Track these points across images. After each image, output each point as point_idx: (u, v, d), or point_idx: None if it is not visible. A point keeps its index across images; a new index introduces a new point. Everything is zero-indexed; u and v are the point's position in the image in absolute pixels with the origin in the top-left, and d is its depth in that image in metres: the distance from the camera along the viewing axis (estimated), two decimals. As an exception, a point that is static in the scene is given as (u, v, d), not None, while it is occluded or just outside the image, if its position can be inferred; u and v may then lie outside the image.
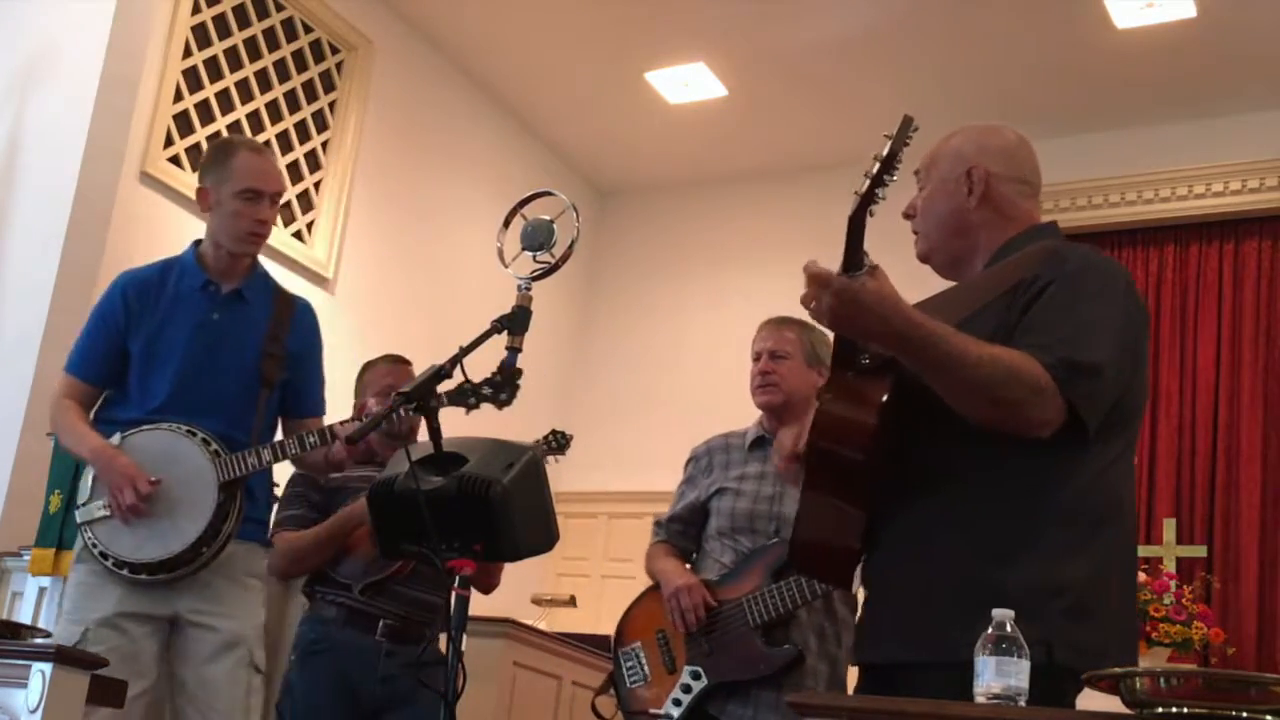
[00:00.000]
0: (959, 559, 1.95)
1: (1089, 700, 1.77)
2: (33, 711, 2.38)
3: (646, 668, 3.34)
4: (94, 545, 2.99)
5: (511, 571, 3.44)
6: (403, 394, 2.15)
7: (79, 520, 3.04)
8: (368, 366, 3.71)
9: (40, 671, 2.39)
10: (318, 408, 3.27)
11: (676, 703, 3.21)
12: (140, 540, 2.95)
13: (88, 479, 3.06)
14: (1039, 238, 2.15)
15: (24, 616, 4.48)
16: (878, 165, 1.90)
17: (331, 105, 6.62)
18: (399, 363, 3.68)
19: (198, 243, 3.21)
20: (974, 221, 2.16)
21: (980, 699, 1.62)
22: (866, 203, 1.90)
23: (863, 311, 1.89)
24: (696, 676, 3.22)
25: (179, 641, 3.01)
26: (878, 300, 1.88)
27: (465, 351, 2.41)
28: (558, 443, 3.45)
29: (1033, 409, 1.89)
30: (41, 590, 4.49)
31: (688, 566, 3.39)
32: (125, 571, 2.96)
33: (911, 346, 1.90)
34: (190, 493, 2.97)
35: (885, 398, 1.97)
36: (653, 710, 3.27)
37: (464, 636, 2.20)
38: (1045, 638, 1.81)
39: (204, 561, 2.99)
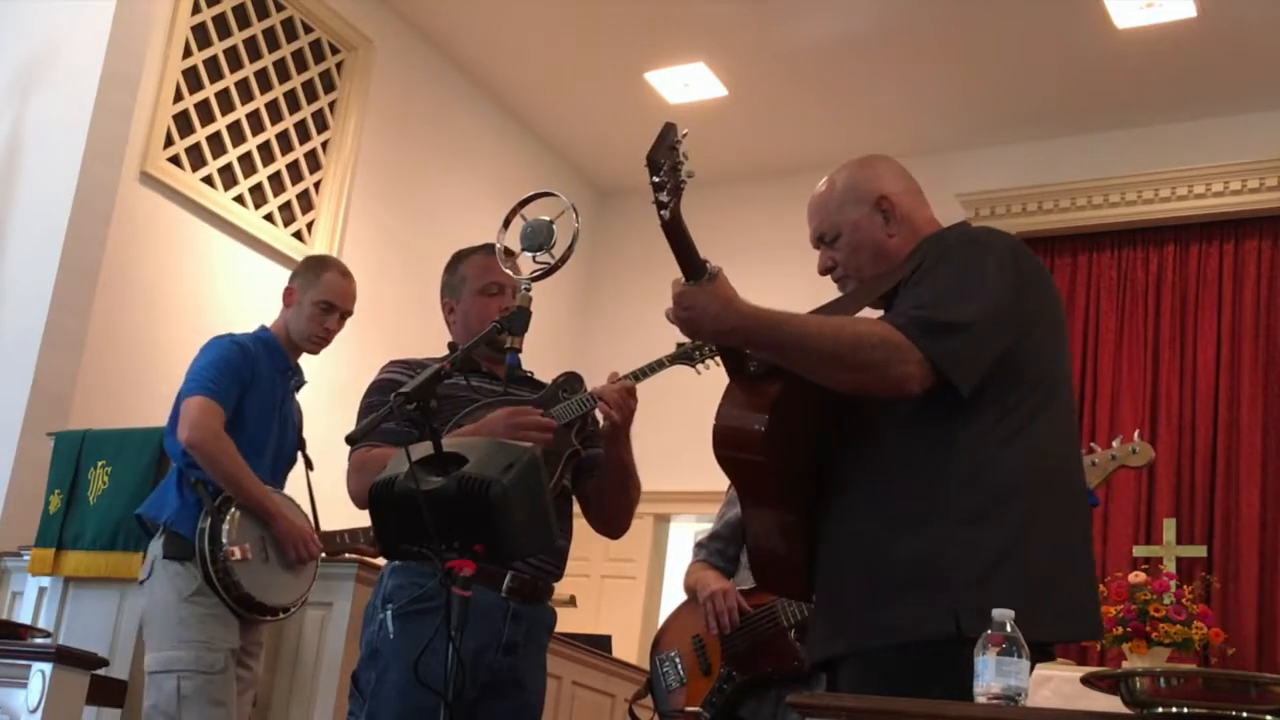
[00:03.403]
0: (861, 544, 2.03)
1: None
2: (33, 711, 2.39)
3: (683, 671, 3.40)
4: (222, 578, 3.35)
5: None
6: (403, 394, 2.14)
7: (223, 560, 3.37)
8: (460, 258, 2.95)
9: (40, 671, 2.39)
10: None
11: (712, 702, 3.28)
12: (267, 585, 3.44)
13: (233, 521, 3.41)
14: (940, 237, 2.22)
15: (24, 616, 4.47)
16: (650, 175, 1.95)
17: (331, 105, 6.62)
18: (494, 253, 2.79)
19: (263, 327, 3.68)
20: (894, 245, 2.22)
21: (980, 699, 1.62)
22: (661, 208, 1.96)
23: (702, 314, 2.01)
24: (731, 676, 3.29)
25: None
26: (713, 300, 2.00)
27: (465, 351, 2.40)
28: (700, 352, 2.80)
29: (890, 366, 1.95)
30: (41, 590, 4.47)
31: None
32: (243, 609, 3.40)
33: (753, 335, 2.02)
34: None
35: (775, 398, 2.03)
36: (689, 708, 3.32)
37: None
38: (952, 606, 1.91)
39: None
